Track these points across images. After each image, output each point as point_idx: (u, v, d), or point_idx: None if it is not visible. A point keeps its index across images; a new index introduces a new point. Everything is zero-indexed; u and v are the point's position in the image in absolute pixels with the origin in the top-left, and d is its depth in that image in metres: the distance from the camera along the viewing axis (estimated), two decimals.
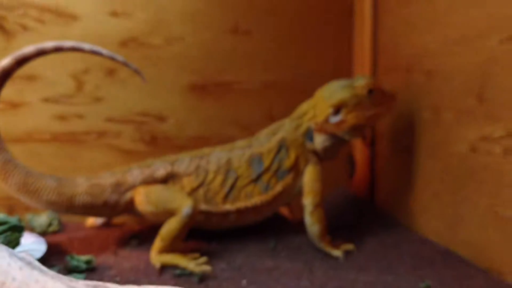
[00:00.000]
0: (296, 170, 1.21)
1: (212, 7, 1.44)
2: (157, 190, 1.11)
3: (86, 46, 1.08)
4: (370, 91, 1.17)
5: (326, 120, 1.17)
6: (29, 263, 0.64)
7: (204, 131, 1.47)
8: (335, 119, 1.17)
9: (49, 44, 1.06)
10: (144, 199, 1.11)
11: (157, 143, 1.44)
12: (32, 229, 1.25)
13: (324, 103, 1.18)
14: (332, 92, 1.18)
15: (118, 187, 1.12)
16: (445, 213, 1.19)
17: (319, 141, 1.20)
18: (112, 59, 1.10)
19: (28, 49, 1.05)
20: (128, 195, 1.13)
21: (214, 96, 1.47)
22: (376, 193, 1.51)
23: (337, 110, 1.17)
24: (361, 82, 1.18)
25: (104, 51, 1.09)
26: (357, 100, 1.16)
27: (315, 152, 1.21)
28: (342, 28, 1.53)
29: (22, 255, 0.66)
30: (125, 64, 1.12)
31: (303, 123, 1.22)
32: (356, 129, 1.18)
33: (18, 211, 1.35)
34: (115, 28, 1.38)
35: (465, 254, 1.12)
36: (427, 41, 1.24)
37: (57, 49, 1.07)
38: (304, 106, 1.24)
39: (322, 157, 1.22)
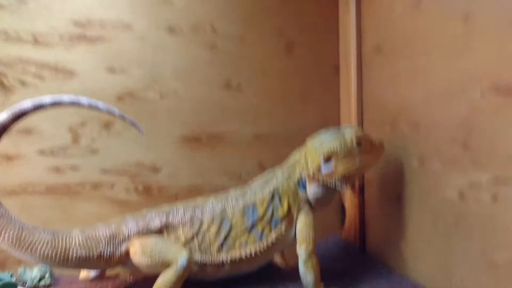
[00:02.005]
0: (289, 218, 1.22)
1: (205, 64, 1.50)
2: (152, 242, 1.12)
3: (84, 100, 1.11)
4: (359, 141, 1.21)
5: (318, 170, 1.20)
6: None
7: (197, 181, 1.50)
8: (326, 169, 1.20)
9: (47, 98, 1.08)
10: (139, 251, 1.11)
11: (151, 193, 1.46)
12: (23, 283, 1.24)
13: (315, 152, 1.21)
14: (322, 141, 1.22)
15: (113, 239, 1.12)
16: (437, 259, 1.20)
17: (311, 190, 1.22)
18: (110, 113, 1.13)
19: (26, 103, 1.07)
20: (123, 247, 1.13)
21: (206, 147, 1.50)
22: (367, 240, 1.52)
23: (327, 159, 1.20)
24: (349, 132, 1.22)
25: (101, 105, 1.12)
26: (347, 150, 1.20)
27: (307, 201, 1.24)
28: (329, 84, 1.61)
29: None
30: (122, 118, 1.15)
31: (295, 172, 1.25)
32: (347, 179, 1.21)
33: (9, 265, 1.33)
34: (112, 84, 1.42)
35: None
36: (410, 94, 1.30)
37: (55, 104, 1.10)
38: (296, 155, 1.28)
39: (314, 206, 1.24)
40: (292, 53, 1.58)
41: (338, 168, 1.19)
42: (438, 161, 1.20)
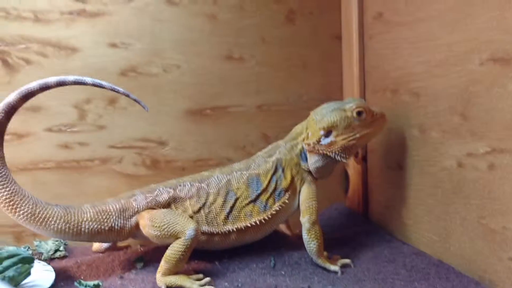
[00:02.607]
0: (292, 189, 1.26)
1: (206, 36, 1.50)
2: (161, 214, 1.15)
3: (88, 79, 1.13)
4: (360, 113, 1.22)
5: (318, 142, 1.23)
6: None
7: (203, 153, 1.53)
8: (325, 141, 1.22)
9: (52, 79, 1.11)
10: (149, 223, 1.15)
11: (158, 167, 1.49)
12: (39, 255, 1.29)
13: (316, 125, 1.24)
14: (323, 115, 1.24)
15: (123, 212, 1.16)
16: (437, 226, 1.24)
17: (312, 161, 1.26)
18: (114, 90, 1.15)
19: (32, 84, 1.10)
20: (133, 220, 1.17)
21: (210, 119, 1.52)
22: (370, 207, 1.56)
23: (327, 132, 1.22)
24: (350, 104, 1.23)
25: (105, 83, 1.14)
26: (347, 122, 1.22)
27: (310, 172, 1.27)
28: (331, 53, 1.60)
29: None
30: (126, 95, 1.17)
31: (297, 144, 1.28)
32: (347, 150, 1.23)
33: (26, 239, 1.39)
34: (114, 59, 1.43)
35: (457, 265, 1.17)
36: (411, 64, 1.30)
37: (60, 84, 1.12)
38: (298, 128, 1.30)
39: (316, 176, 1.27)
40: (293, 22, 1.57)
41: (338, 140, 1.22)
42: (437, 130, 1.21)
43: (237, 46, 1.53)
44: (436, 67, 1.21)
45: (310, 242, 1.20)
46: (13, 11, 1.36)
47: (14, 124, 1.34)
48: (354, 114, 1.22)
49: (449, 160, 1.18)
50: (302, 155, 1.27)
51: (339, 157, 1.24)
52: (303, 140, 1.27)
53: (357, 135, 1.23)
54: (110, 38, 1.43)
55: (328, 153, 1.23)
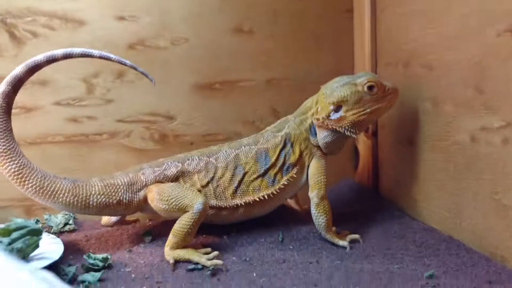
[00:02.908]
0: (301, 164, 1.25)
1: (215, 9, 1.47)
2: (169, 188, 1.15)
3: (95, 52, 1.12)
4: (371, 87, 1.20)
5: (327, 117, 1.21)
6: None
7: (211, 128, 1.52)
8: (335, 116, 1.20)
9: (59, 51, 1.10)
10: (157, 197, 1.15)
11: (166, 141, 1.49)
12: (49, 228, 1.30)
13: (326, 100, 1.21)
14: (333, 89, 1.21)
15: (131, 186, 1.16)
16: (448, 201, 1.22)
17: (321, 136, 1.24)
18: (121, 63, 1.14)
19: (39, 56, 1.09)
20: (141, 194, 1.17)
21: (219, 94, 1.51)
22: (380, 182, 1.54)
23: (337, 107, 1.20)
24: (362, 79, 1.21)
25: (113, 55, 1.13)
26: (358, 97, 1.20)
27: (319, 147, 1.25)
28: (342, 26, 1.57)
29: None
30: (133, 68, 1.15)
31: (307, 119, 1.26)
32: (357, 125, 1.21)
33: (35, 212, 1.40)
34: (122, 32, 1.42)
35: (468, 241, 1.15)
36: (424, 36, 1.27)
37: (67, 56, 1.11)
38: (308, 102, 1.28)
39: (325, 151, 1.25)
40: None
41: (348, 115, 1.20)
42: (450, 104, 1.19)
43: (247, 20, 1.50)
44: (449, 39, 1.17)
45: (319, 217, 1.20)
46: None
47: (22, 98, 1.34)
48: (365, 89, 1.20)
49: (462, 135, 1.15)
50: (312, 130, 1.25)
51: (348, 133, 1.21)
52: (313, 114, 1.25)
53: (368, 110, 1.20)
54: (118, 11, 1.41)
55: (338, 128, 1.21)
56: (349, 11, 1.57)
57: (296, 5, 1.53)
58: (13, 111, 1.09)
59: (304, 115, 1.27)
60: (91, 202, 1.13)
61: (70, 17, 1.38)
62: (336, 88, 1.21)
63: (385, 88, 1.22)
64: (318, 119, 1.23)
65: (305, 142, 1.25)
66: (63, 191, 1.11)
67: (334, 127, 1.21)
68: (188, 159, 1.22)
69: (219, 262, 1.06)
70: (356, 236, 1.21)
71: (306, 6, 1.54)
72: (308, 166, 1.25)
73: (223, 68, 1.50)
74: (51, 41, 1.37)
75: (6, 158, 1.08)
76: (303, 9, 1.53)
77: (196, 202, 1.11)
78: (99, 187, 1.14)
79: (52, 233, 1.25)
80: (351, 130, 1.21)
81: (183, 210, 1.12)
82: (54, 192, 1.11)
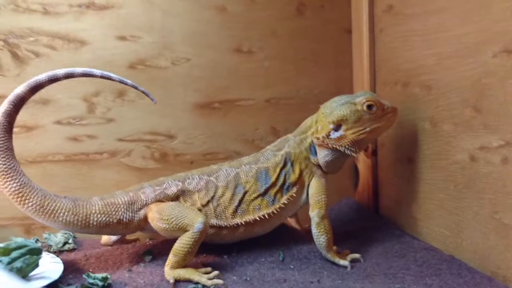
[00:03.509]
0: (301, 183, 1.25)
1: (216, 29, 1.49)
2: (169, 208, 1.15)
3: (97, 71, 1.13)
4: (370, 107, 1.21)
5: (327, 136, 1.22)
6: None
7: (211, 147, 1.52)
8: (335, 135, 1.21)
9: (61, 71, 1.11)
10: (157, 216, 1.14)
11: (167, 160, 1.49)
12: (48, 247, 1.29)
13: (325, 119, 1.22)
14: (333, 108, 1.22)
15: (131, 205, 1.16)
16: (448, 221, 1.22)
17: (322, 155, 1.24)
18: (122, 82, 1.15)
19: (41, 76, 1.10)
20: (141, 213, 1.16)
21: (219, 113, 1.52)
22: (380, 201, 1.54)
23: (337, 126, 1.21)
24: (360, 98, 1.22)
25: (114, 75, 1.14)
26: (357, 116, 1.20)
27: (319, 166, 1.25)
28: (341, 46, 1.59)
29: None
30: (134, 87, 1.16)
31: (307, 138, 1.27)
32: (357, 144, 1.22)
33: (35, 231, 1.39)
34: (123, 52, 1.43)
35: (470, 261, 1.15)
36: (422, 56, 1.28)
37: (69, 76, 1.12)
38: (308, 122, 1.29)
39: (326, 170, 1.26)
40: (304, 16, 1.56)
41: (348, 134, 1.20)
42: (449, 123, 1.20)
43: (246, 39, 1.52)
44: (447, 59, 1.19)
45: (319, 236, 1.19)
46: (23, 4, 1.37)
47: (23, 117, 1.35)
48: (365, 108, 1.21)
49: (461, 154, 1.16)
50: (312, 149, 1.26)
51: (349, 151, 1.22)
52: (313, 134, 1.25)
53: (367, 129, 1.21)
54: (119, 31, 1.43)
55: (338, 147, 1.22)
56: (348, 31, 1.59)
57: (295, 25, 1.55)
58: (14, 130, 1.10)
59: (304, 134, 1.28)
60: (91, 221, 1.13)
61: (72, 37, 1.40)
62: (335, 107, 1.22)
63: (384, 107, 1.23)
64: (318, 138, 1.23)
65: (305, 161, 1.25)
66: (63, 210, 1.11)
67: (334, 146, 1.22)
68: (189, 178, 1.22)
69: (219, 281, 1.06)
70: (357, 255, 1.20)
71: (305, 26, 1.56)
72: (308, 185, 1.25)
73: (223, 87, 1.51)
74: (53, 60, 1.39)
75: (6, 177, 1.08)
76: (302, 29, 1.56)
77: (196, 222, 1.11)
78: (99, 206, 1.14)
79: (51, 252, 1.24)
80: (351, 148, 1.22)
81: (183, 230, 1.12)
82: (54, 211, 1.10)
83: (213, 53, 1.50)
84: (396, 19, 1.39)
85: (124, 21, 1.43)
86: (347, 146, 1.21)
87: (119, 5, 1.42)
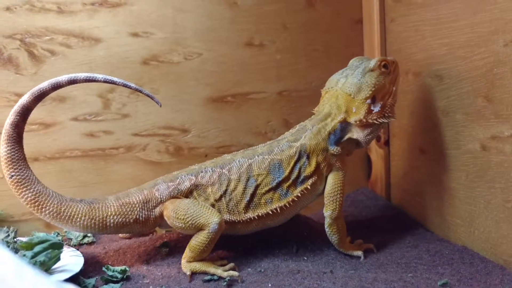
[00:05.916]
0: (317, 175, 1.21)
1: (227, 24, 1.50)
2: (185, 207, 1.14)
3: (99, 76, 1.13)
4: (386, 66, 1.22)
5: (369, 112, 1.19)
6: None
7: (224, 140, 1.54)
8: (377, 108, 1.19)
9: (63, 77, 1.12)
10: (173, 215, 1.14)
11: (181, 154, 1.51)
12: (68, 241, 1.33)
13: (357, 98, 1.19)
14: (357, 84, 1.20)
15: (146, 203, 1.17)
16: (460, 210, 1.23)
17: (363, 135, 1.21)
18: (126, 86, 1.15)
19: (44, 84, 1.11)
20: (157, 211, 1.17)
21: (232, 106, 1.53)
22: (392, 192, 1.55)
23: (373, 99, 1.19)
24: (373, 62, 1.22)
25: (117, 79, 1.14)
26: (381, 80, 1.20)
27: (339, 156, 1.21)
28: (352, 37, 1.59)
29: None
30: (139, 91, 1.16)
31: (326, 126, 1.22)
32: (393, 106, 1.22)
33: (55, 226, 1.43)
34: (137, 48, 1.45)
35: (481, 250, 1.15)
36: (434, 46, 1.28)
37: (72, 82, 1.13)
38: (326, 108, 1.24)
39: (364, 146, 1.24)
40: (314, 7, 1.56)
41: (385, 100, 1.20)
42: (461, 113, 1.20)
43: (257, 33, 1.53)
44: (459, 49, 1.18)
45: (332, 235, 1.20)
46: (38, 4, 1.39)
47: (41, 114, 1.39)
48: (382, 69, 1.21)
49: (473, 144, 1.16)
50: (331, 138, 1.21)
51: (392, 118, 1.22)
52: (343, 120, 1.21)
53: (394, 87, 1.22)
54: (132, 28, 1.45)
55: (384, 119, 1.20)
56: (359, 22, 1.59)
57: (306, 17, 1.56)
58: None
59: (323, 121, 1.23)
60: (108, 223, 1.14)
61: (86, 35, 1.42)
62: (359, 83, 1.20)
63: (390, 61, 1.24)
64: (360, 120, 1.19)
65: (323, 153, 1.20)
66: (80, 215, 1.12)
67: (379, 120, 1.20)
68: (202, 171, 1.20)
69: (235, 273, 1.08)
70: (369, 245, 1.21)
71: (316, 17, 1.56)
72: (327, 177, 1.22)
73: (235, 81, 1.53)
74: (69, 58, 1.41)
75: (22, 187, 1.09)
76: (312, 21, 1.56)
77: (211, 222, 1.11)
78: (115, 207, 1.15)
79: (71, 246, 1.28)
80: (391, 114, 1.21)
81: (199, 229, 1.12)
82: (71, 217, 1.12)
83: (225, 47, 1.51)
84: (408, 8, 1.39)
85: (137, 18, 1.45)
86: (390, 114, 1.21)
87: (132, 2, 1.44)
